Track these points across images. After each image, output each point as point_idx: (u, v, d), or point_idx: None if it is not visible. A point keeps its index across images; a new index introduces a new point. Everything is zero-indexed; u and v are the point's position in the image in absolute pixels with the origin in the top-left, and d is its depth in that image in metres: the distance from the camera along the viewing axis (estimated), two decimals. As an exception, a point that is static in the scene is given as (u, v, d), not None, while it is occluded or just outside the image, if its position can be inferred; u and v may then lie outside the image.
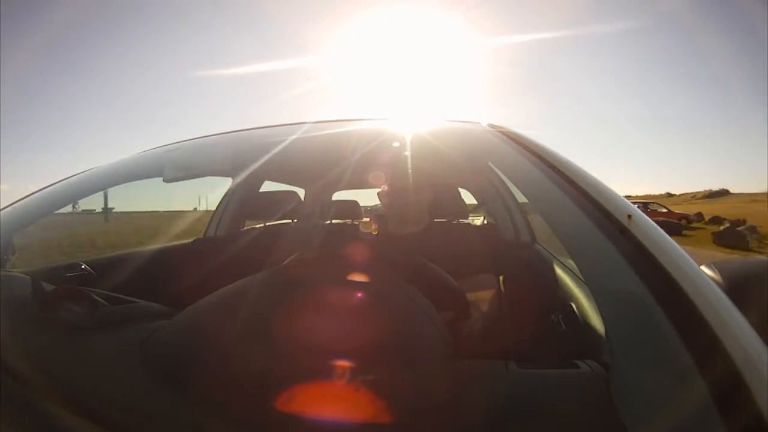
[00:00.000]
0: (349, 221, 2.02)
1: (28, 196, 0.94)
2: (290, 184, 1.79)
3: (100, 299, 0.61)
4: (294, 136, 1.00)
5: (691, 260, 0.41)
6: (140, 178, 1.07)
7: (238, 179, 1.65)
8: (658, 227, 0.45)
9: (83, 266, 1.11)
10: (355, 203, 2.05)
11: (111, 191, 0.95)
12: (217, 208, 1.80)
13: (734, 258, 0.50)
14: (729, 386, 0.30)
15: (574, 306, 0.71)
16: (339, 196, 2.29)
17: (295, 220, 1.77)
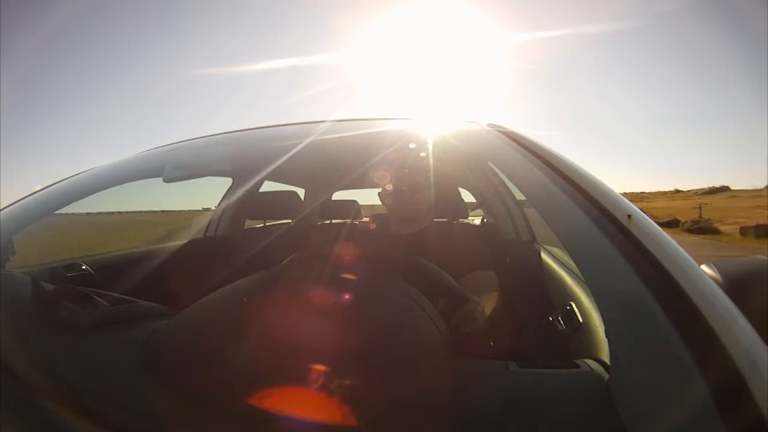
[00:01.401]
0: (349, 221, 2.02)
1: (28, 196, 0.94)
2: (290, 184, 1.79)
3: (100, 299, 0.61)
4: (294, 136, 1.00)
5: (691, 260, 0.41)
6: (140, 178, 1.07)
7: (238, 179, 1.65)
8: (658, 227, 0.45)
9: (83, 266, 1.12)
10: (355, 203, 2.05)
11: (111, 191, 0.95)
12: (217, 208, 1.80)
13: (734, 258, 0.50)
14: (729, 386, 0.30)
15: (574, 306, 0.71)
16: (339, 195, 2.29)
17: (295, 220, 1.77)
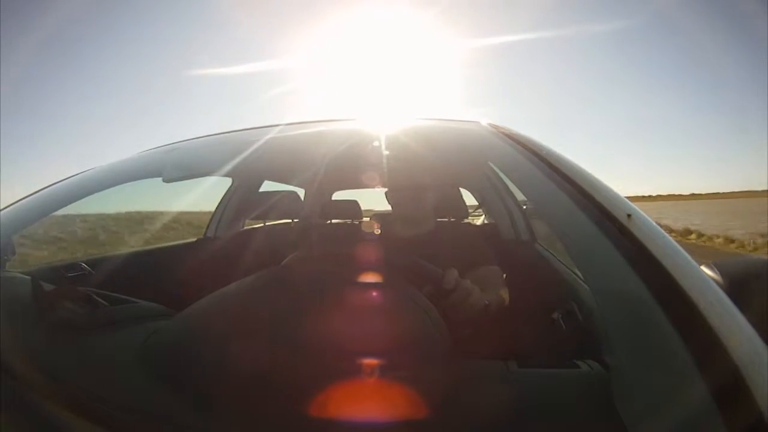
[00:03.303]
0: (349, 221, 2.02)
1: (28, 196, 0.94)
2: (290, 184, 1.79)
3: (100, 299, 0.61)
4: (294, 136, 1.00)
5: (691, 260, 0.41)
6: (140, 178, 1.07)
7: (238, 179, 1.65)
8: (658, 227, 0.45)
9: (83, 266, 1.11)
10: (355, 203, 2.05)
11: (111, 191, 0.95)
12: (217, 208, 1.80)
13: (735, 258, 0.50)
14: (729, 386, 0.30)
15: (574, 306, 0.71)
16: (339, 196, 2.29)
17: (295, 220, 1.77)
